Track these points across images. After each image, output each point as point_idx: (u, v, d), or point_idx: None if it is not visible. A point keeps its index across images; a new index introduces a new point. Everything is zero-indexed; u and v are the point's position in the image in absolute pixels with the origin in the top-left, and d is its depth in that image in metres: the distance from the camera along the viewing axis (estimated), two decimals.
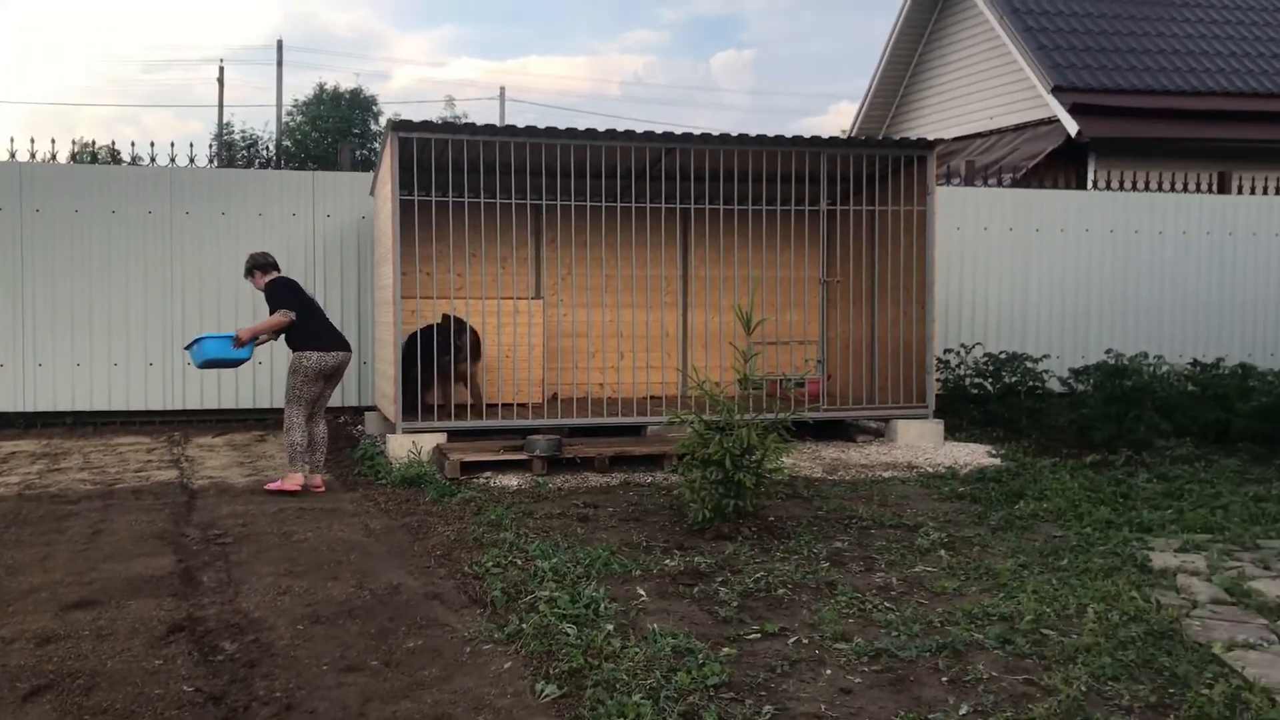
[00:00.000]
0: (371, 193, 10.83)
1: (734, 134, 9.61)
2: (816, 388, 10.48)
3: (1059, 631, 4.78)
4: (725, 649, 4.50)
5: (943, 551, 6.14)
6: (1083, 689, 4.15)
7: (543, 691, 4.06)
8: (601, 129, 9.31)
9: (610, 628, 4.69)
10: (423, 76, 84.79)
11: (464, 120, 31.41)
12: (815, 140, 9.82)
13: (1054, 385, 11.16)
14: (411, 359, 9.28)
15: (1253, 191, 13.02)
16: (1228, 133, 14.60)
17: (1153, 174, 13.31)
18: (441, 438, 8.93)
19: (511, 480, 8.13)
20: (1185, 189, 12.95)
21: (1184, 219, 12.57)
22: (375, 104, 31.69)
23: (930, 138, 10.33)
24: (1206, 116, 14.76)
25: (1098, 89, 14.70)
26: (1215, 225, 12.64)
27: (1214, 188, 13.05)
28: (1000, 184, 13.02)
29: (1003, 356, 11.04)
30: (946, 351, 11.43)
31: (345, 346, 7.91)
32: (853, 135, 19.53)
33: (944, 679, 4.25)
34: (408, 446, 8.73)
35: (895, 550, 6.16)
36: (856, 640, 4.62)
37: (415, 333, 9.63)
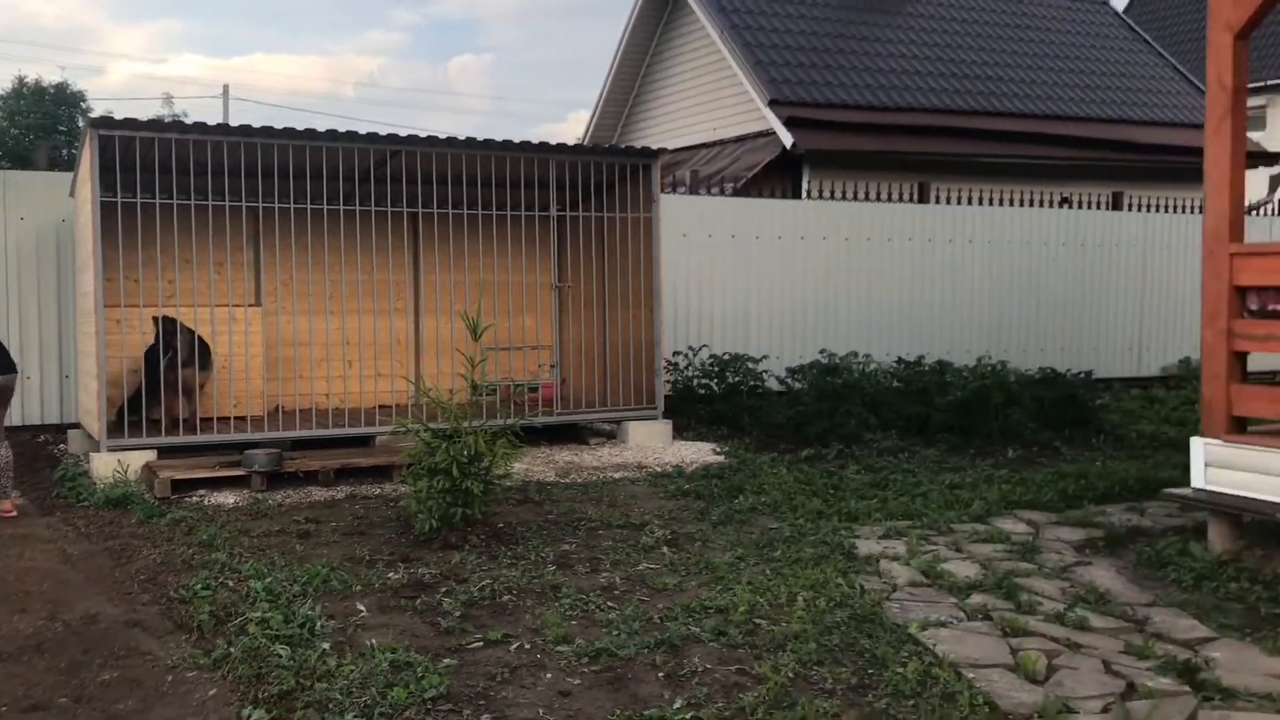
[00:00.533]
0: (72, 194, 10.07)
1: (461, 138, 9.53)
2: (550, 392, 10.53)
3: (771, 621, 4.98)
4: (446, 660, 4.44)
5: (666, 549, 6.29)
6: (790, 675, 4.34)
7: (250, 717, 3.88)
8: (322, 129, 9.03)
9: (326, 646, 4.54)
10: (140, 72, 79.86)
11: (182, 119, 29.80)
12: (544, 146, 9.87)
13: (774, 384, 11.66)
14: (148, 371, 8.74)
15: (949, 201, 14.05)
16: (927, 146, 15.70)
17: (861, 184, 14.14)
18: (152, 455, 8.40)
19: (228, 498, 7.74)
20: (890, 199, 13.83)
21: (890, 227, 13.41)
22: (84, 100, 29.64)
23: (655, 147, 10.58)
24: (909, 131, 15.83)
25: (810, 103, 15.50)
26: (917, 232, 13.56)
27: (915, 197, 14.00)
28: (723, 193, 13.50)
29: (726, 358, 11.44)
30: (675, 354, 11.74)
31: (7, 368, 7.32)
32: (585, 143, 19.79)
33: (661, 674, 4.34)
34: (113, 465, 8.16)
35: (621, 550, 6.26)
36: (578, 642, 4.66)
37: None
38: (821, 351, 11.48)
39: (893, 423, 10.41)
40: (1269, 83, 23.50)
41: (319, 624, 4.83)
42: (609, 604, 5.23)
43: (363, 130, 9.28)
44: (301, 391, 10.47)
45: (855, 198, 13.67)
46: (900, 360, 11.76)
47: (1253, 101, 23.91)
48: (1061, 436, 10.31)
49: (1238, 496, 6.18)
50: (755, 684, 4.24)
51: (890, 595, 5.49)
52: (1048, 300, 14.08)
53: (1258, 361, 13.60)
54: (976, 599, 5.45)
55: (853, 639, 4.77)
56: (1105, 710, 4.12)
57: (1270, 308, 6.10)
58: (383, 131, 9.37)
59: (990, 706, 4.12)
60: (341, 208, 9.71)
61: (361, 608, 5.15)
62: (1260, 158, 17.11)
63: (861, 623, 5.00)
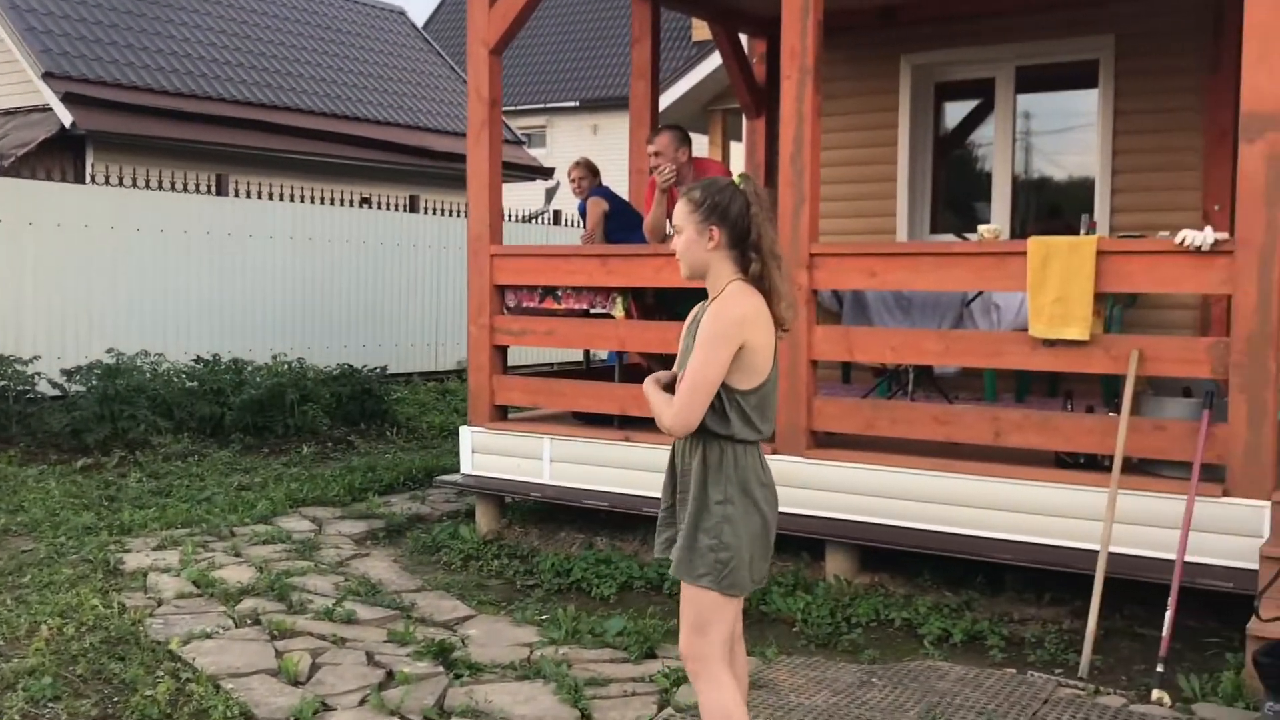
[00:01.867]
0: None
1: None
2: None
3: (3, 658, 4.38)
4: None
5: None
6: (18, 718, 3.83)
7: None
8: None
9: None
10: None
11: None
12: None
13: (50, 388, 10.48)
14: None
15: (249, 195, 13.69)
16: (226, 137, 15.12)
17: (155, 172, 13.25)
18: None
19: None
20: (186, 189, 13.13)
21: (188, 218, 12.70)
22: None
23: None
24: (206, 120, 15.13)
25: (94, 81, 14.18)
26: (217, 226, 13.01)
27: (214, 189, 13.44)
28: None
29: None
30: None
31: None
32: None
33: None
34: None
35: None
36: None
37: None
38: (109, 351, 10.54)
39: (186, 425, 9.87)
40: (549, 105, 26.12)
41: None
42: None
43: None
44: None
45: (148, 185, 12.77)
46: (199, 359, 11.19)
47: (537, 121, 26.44)
48: (358, 431, 10.49)
49: (500, 479, 6.68)
50: None
51: (155, 611, 5.12)
52: (352, 298, 14.28)
53: (543, 355, 15.00)
54: (248, 604, 5.28)
55: (102, 665, 4.35)
56: (362, 703, 4.17)
57: (525, 305, 6.66)
58: None
59: (246, 716, 3.97)
60: None
61: None
62: (539, 172, 18.93)
63: (116, 645, 4.59)
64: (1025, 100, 8.35)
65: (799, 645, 4.92)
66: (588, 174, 7.74)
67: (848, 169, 8.63)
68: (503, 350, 6.78)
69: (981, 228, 5.85)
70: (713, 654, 3.01)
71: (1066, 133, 8.34)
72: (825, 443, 5.84)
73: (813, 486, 5.70)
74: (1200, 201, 7.24)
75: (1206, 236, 4.68)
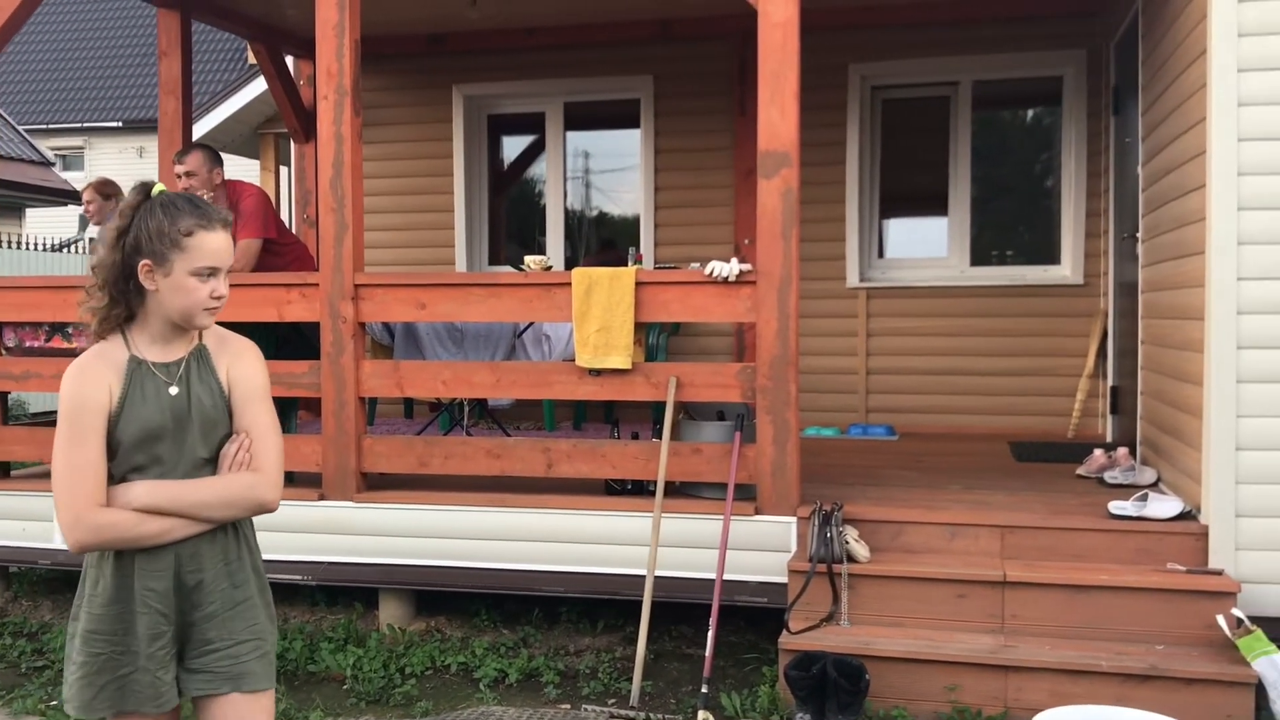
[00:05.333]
0: None
1: None
2: None
3: None
4: None
5: None
6: None
7: None
8: None
9: None
10: None
11: None
12: None
13: None
14: None
15: None
16: None
17: None
18: None
19: None
20: None
21: None
22: None
23: None
24: None
25: None
26: None
27: None
28: None
29: None
30: None
31: None
32: None
33: None
34: None
35: None
36: None
37: None
38: None
39: None
40: (89, 124, 23.89)
41: None
42: None
43: None
44: None
45: None
46: None
47: (74, 141, 24.05)
48: None
49: (3, 546, 5.79)
50: None
51: None
52: None
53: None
54: None
55: None
56: None
57: (28, 344, 5.84)
58: None
59: None
60: None
61: None
62: (72, 196, 17.18)
63: None
64: (581, 137, 8.54)
65: (348, 705, 4.59)
66: (97, 197, 6.94)
67: (407, 198, 8.43)
68: (2, 397, 5.89)
69: (528, 259, 5.83)
70: None
71: (622, 171, 8.62)
72: (378, 484, 5.55)
73: (364, 532, 5.38)
74: (733, 235, 7.71)
75: (732, 268, 4.90)
